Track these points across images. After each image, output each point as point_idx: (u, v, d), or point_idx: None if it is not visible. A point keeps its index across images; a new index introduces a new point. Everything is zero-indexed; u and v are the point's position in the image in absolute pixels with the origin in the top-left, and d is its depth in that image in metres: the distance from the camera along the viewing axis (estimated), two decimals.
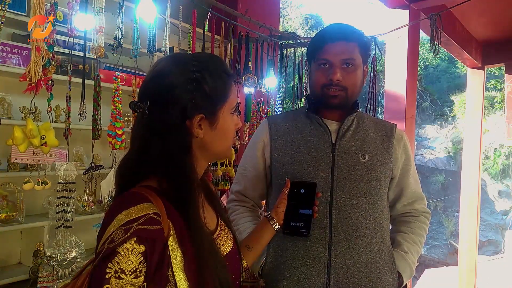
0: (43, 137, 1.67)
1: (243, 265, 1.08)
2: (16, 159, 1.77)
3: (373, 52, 2.80)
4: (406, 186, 1.42)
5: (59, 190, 1.84)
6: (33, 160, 1.81)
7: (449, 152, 13.59)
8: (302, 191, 1.23)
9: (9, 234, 2.13)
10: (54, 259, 1.78)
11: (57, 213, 1.83)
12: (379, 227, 1.30)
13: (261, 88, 2.87)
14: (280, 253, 1.29)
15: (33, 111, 1.82)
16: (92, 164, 2.05)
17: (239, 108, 0.94)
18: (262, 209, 1.54)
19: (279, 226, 1.20)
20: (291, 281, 1.25)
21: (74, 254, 1.80)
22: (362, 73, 1.34)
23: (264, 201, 1.50)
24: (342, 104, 1.31)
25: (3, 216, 1.97)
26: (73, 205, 1.87)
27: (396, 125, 1.43)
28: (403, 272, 1.34)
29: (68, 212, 1.84)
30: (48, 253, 1.81)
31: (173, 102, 0.82)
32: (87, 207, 2.28)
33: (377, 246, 1.28)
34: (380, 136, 1.36)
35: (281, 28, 4.21)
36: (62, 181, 1.83)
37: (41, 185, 1.84)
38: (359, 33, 1.33)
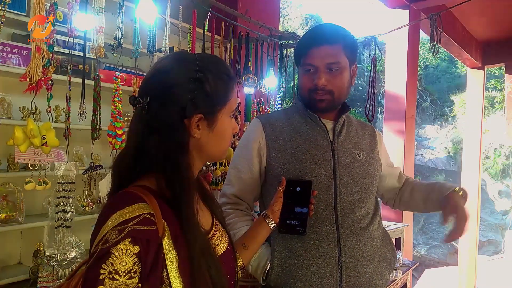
0: (44, 137, 1.67)
1: (239, 264, 1.08)
2: (19, 159, 1.77)
3: (373, 52, 2.80)
4: (395, 172, 1.54)
5: (58, 190, 1.84)
6: (35, 160, 1.81)
7: (449, 152, 13.58)
8: (298, 189, 1.23)
9: (9, 234, 2.13)
10: (54, 259, 1.78)
11: (57, 213, 1.83)
12: (376, 214, 1.37)
13: (261, 88, 2.87)
14: (288, 255, 1.27)
15: (33, 111, 1.82)
16: (92, 164, 2.05)
17: (239, 108, 0.94)
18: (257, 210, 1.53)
19: (275, 225, 1.19)
20: (304, 283, 1.24)
21: (74, 254, 1.80)
22: (350, 74, 1.34)
23: (257, 202, 1.48)
24: (329, 107, 1.34)
25: (3, 216, 1.97)
26: (72, 205, 1.87)
27: (372, 126, 1.54)
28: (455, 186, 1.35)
29: (68, 212, 1.84)
30: (48, 253, 1.80)
31: (173, 100, 0.82)
32: (86, 207, 2.28)
33: (377, 232, 1.34)
34: (367, 135, 1.44)
35: (281, 28, 4.21)
36: (62, 181, 1.83)
37: (42, 185, 1.84)
38: (343, 34, 1.32)
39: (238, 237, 1.24)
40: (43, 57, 1.49)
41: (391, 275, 2.77)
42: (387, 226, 3.43)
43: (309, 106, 1.35)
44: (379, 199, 1.50)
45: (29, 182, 1.83)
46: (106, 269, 0.69)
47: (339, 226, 1.26)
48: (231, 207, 1.37)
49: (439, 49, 2.76)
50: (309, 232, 1.23)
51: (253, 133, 1.38)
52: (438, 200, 1.35)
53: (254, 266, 1.31)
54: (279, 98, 3.08)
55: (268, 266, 1.29)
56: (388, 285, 2.69)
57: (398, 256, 2.98)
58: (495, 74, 12.30)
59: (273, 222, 1.19)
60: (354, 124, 1.43)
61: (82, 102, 1.87)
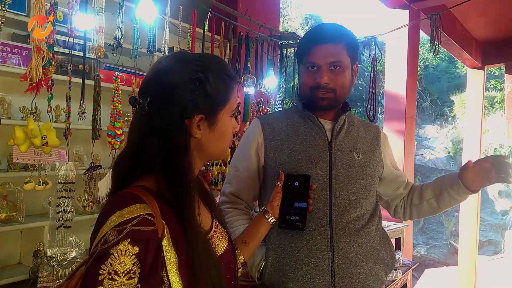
0: (44, 137, 1.67)
1: (240, 261, 1.08)
2: (17, 159, 1.77)
3: (373, 52, 2.80)
4: (402, 177, 1.50)
5: (59, 190, 1.84)
6: (34, 160, 1.81)
7: (449, 152, 13.58)
8: (296, 184, 1.23)
9: (9, 234, 2.13)
10: (54, 259, 1.78)
11: (57, 213, 1.83)
12: (374, 216, 1.34)
13: (261, 88, 2.87)
14: (282, 254, 1.28)
15: (33, 111, 1.82)
16: (92, 164, 2.05)
17: (239, 108, 0.94)
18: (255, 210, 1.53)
19: (274, 220, 1.19)
20: (297, 282, 1.24)
21: (74, 254, 1.80)
22: (351, 73, 1.34)
23: (257, 202, 1.48)
24: (331, 106, 1.33)
25: (3, 216, 1.97)
26: (73, 205, 1.87)
27: (379, 126, 1.52)
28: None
29: (68, 212, 1.84)
30: (48, 253, 1.80)
31: (174, 100, 0.82)
32: (87, 207, 2.28)
33: (374, 233, 1.33)
34: (370, 136, 1.42)
35: (281, 28, 4.21)
36: (62, 181, 1.83)
37: (42, 185, 1.84)
38: (346, 34, 1.33)
39: (235, 236, 1.24)
40: (43, 57, 1.50)
41: (390, 276, 2.76)
42: (387, 226, 3.43)
43: (309, 105, 1.35)
44: (380, 204, 1.47)
45: (28, 182, 1.83)
46: (105, 270, 0.69)
47: (332, 226, 1.25)
48: (230, 206, 1.38)
49: (439, 49, 2.76)
50: (303, 232, 1.24)
51: (252, 133, 1.40)
52: (453, 182, 1.38)
53: (249, 264, 1.32)
54: (279, 98, 3.08)
55: (262, 265, 1.30)
56: (388, 285, 2.69)
57: (398, 256, 2.98)
58: (495, 74, 12.31)
59: (273, 217, 1.19)
60: (356, 124, 1.41)
61: (82, 102, 1.87)
